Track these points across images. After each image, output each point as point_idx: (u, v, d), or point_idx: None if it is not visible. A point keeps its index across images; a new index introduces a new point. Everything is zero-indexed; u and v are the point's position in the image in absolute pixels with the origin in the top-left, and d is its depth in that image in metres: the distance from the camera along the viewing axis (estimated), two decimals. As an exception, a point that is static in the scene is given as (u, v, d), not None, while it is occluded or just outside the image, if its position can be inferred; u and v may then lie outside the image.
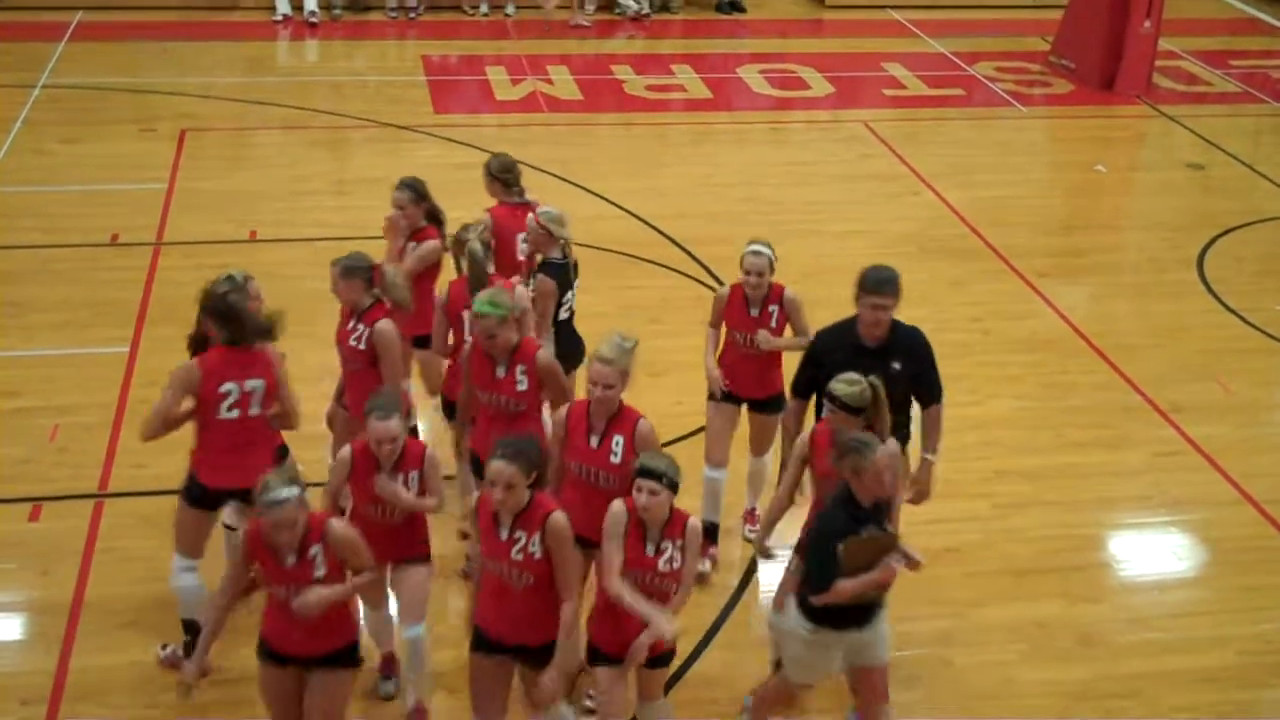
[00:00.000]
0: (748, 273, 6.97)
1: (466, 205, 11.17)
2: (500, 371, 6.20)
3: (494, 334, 6.08)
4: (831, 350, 6.29)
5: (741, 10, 17.34)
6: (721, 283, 10.07)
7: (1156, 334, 9.84)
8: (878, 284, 6.27)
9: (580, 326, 9.42)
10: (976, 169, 12.75)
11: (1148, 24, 14.59)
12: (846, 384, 5.79)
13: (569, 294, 7.37)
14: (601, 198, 11.52)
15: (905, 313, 9.77)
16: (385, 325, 6.45)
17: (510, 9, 16.78)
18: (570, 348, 7.35)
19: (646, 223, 11.06)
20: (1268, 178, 12.72)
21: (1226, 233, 11.44)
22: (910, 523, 7.54)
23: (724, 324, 7.16)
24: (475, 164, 12.10)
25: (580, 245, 10.57)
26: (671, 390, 8.74)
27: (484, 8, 16.74)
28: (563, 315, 7.36)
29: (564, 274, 7.28)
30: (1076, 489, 8.03)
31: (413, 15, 16.47)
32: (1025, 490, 7.96)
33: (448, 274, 7.37)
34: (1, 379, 7.62)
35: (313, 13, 16.04)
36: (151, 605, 6.75)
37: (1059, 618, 7.00)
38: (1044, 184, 13.09)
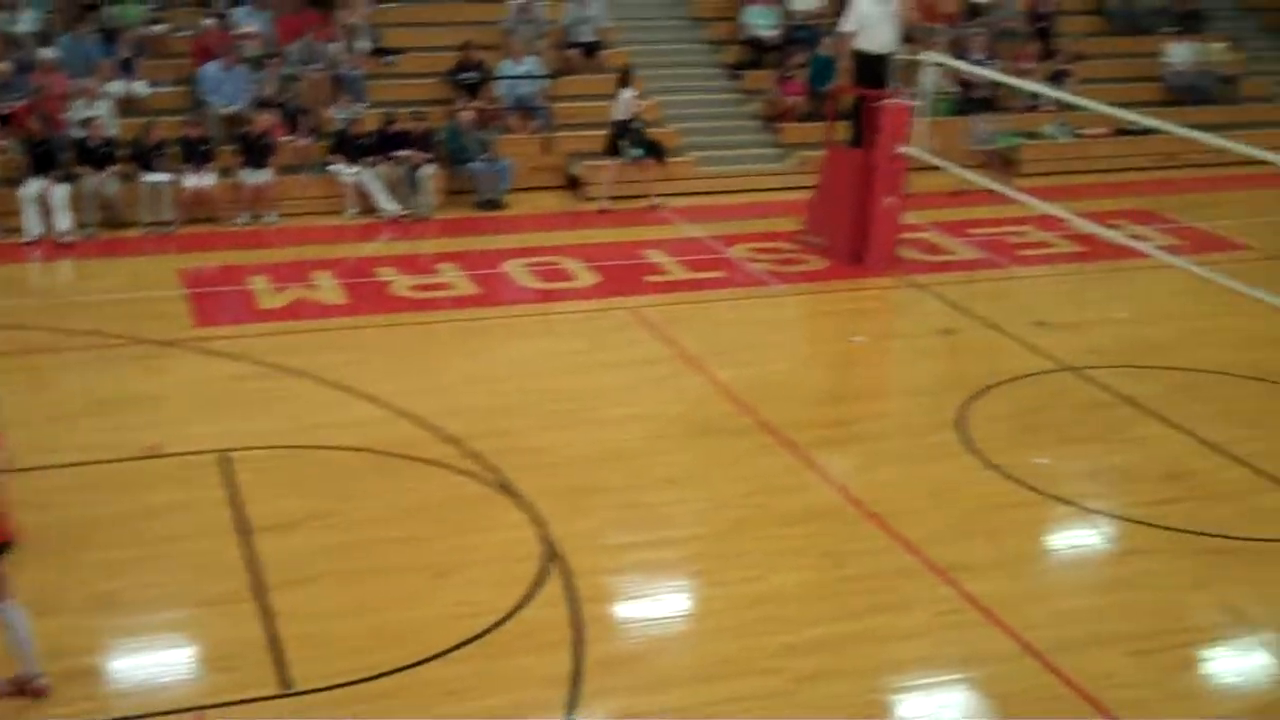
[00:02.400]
0: None
1: (242, 416, 11.05)
2: None
3: None
4: None
5: (501, 207, 17.66)
6: (507, 481, 10.07)
7: (925, 496, 10.13)
8: None
9: (356, 533, 9.38)
10: (741, 347, 13.10)
11: (889, 199, 15.33)
12: None
13: None
14: (375, 400, 11.45)
15: (683, 494, 10.03)
16: None
17: (272, 217, 16.77)
18: None
19: (423, 422, 11.02)
20: (1013, 338, 13.36)
21: (981, 393, 11.94)
22: (704, 702, 7.60)
23: None
24: (247, 375, 12.07)
25: (357, 450, 10.57)
26: (458, 589, 8.66)
27: (244, 217, 16.70)
28: None
29: None
30: (865, 655, 8.15)
31: (169, 229, 16.31)
32: (815, 662, 8.03)
33: None
34: None
35: (65, 232, 15.75)
36: None
37: (860, 787, 7.04)
38: (807, 358, 13.52)
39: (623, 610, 8.70)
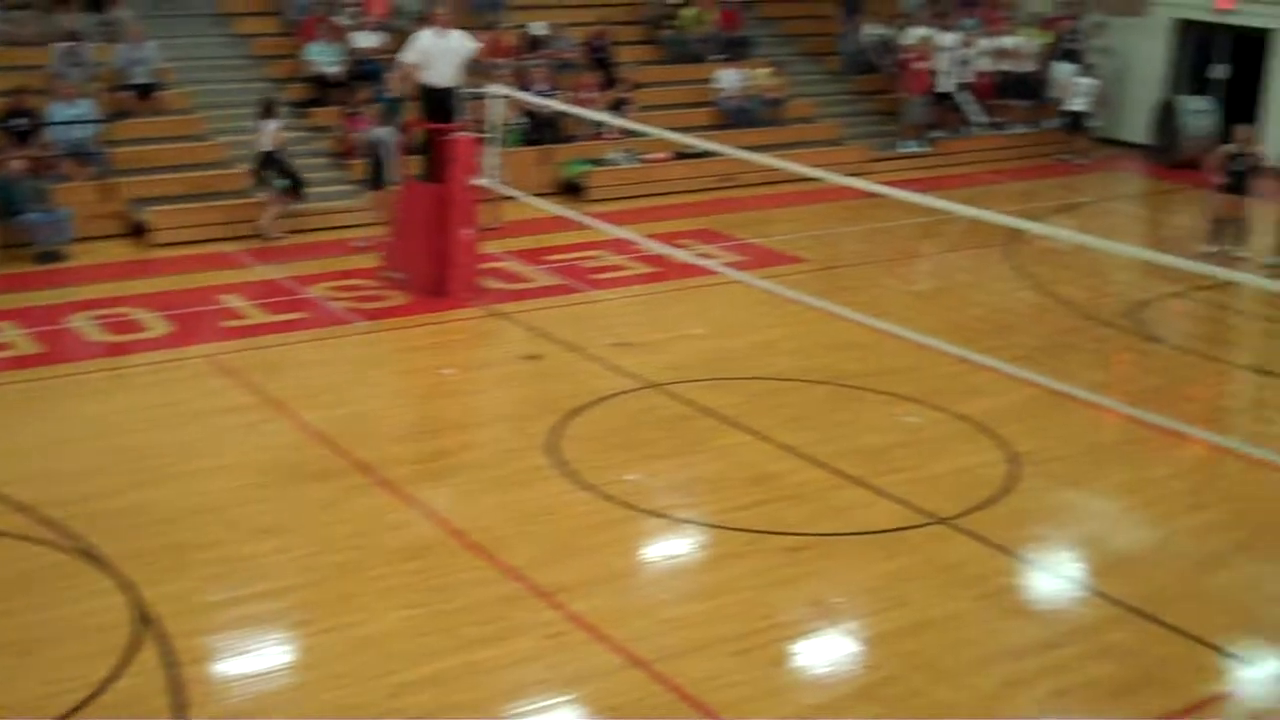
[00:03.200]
0: None
1: None
2: None
3: None
4: None
5: (62, 259, 16.77)
6: (90, 546, 9.56)
7: (523, 521, 10.27)
8: None
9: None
10: (330, 388, 12.90)
11: (466, 231, 15.45)
12: None
13: None
14: (-66, 474, 10.66)
15: (282, 543, 9.79)
16: None
17: None
18: None
19: (-11, 493, 10.34)
20: (596, 359, 13.72)
21: (570, 416, 12.19)
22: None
23: None
24: None
25: (-83, 530, 9.80)
26: (43, 667, 8.16)
27: None
28: None
29: None
30: (480, 686, 8.18)
31: None
32: (430, 698, 8.01)
33: None
34: None
35: None
36: None
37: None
38: (397, 393, 13.44)
39: (227, 669, 8.41)
